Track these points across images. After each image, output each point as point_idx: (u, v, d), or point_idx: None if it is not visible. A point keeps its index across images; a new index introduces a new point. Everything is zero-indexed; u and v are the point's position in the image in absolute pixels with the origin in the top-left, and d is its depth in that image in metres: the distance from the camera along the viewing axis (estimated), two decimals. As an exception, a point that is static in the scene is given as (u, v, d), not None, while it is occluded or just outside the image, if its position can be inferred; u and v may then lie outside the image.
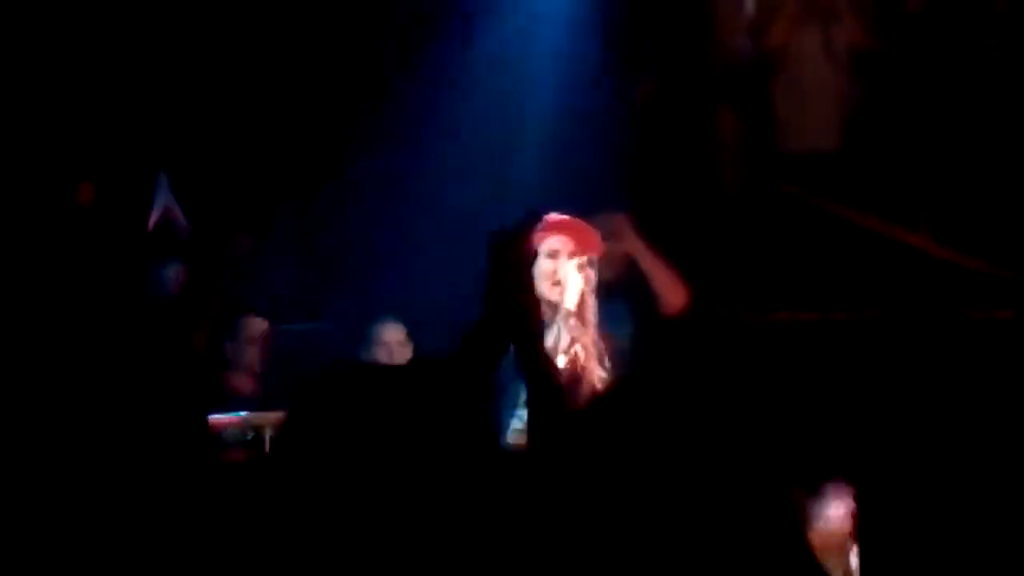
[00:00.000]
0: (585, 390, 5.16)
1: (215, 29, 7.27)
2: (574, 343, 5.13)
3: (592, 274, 5.21)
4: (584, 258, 5.21)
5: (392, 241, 7.25)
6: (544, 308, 5.20)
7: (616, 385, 2.26)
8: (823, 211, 7.12)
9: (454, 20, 7.34)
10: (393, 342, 6.33)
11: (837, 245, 7.02)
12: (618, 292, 5.72)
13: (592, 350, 5.16)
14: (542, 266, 5.21)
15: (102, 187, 6.86)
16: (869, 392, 6.03)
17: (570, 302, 5.15)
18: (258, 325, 6.32)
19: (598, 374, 5.19)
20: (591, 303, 5.21)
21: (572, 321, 5.14)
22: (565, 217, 5.31)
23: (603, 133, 7.28)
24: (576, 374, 5.17)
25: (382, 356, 6.27)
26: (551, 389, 2.86)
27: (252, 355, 6.30)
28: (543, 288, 5.20)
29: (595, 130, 7.25)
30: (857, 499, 4.67)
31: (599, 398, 2.64)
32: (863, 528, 4.65)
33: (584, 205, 5.58)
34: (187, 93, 7.17)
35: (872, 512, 4.66)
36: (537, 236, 5.27)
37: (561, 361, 5.17)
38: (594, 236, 5.31)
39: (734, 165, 7.54)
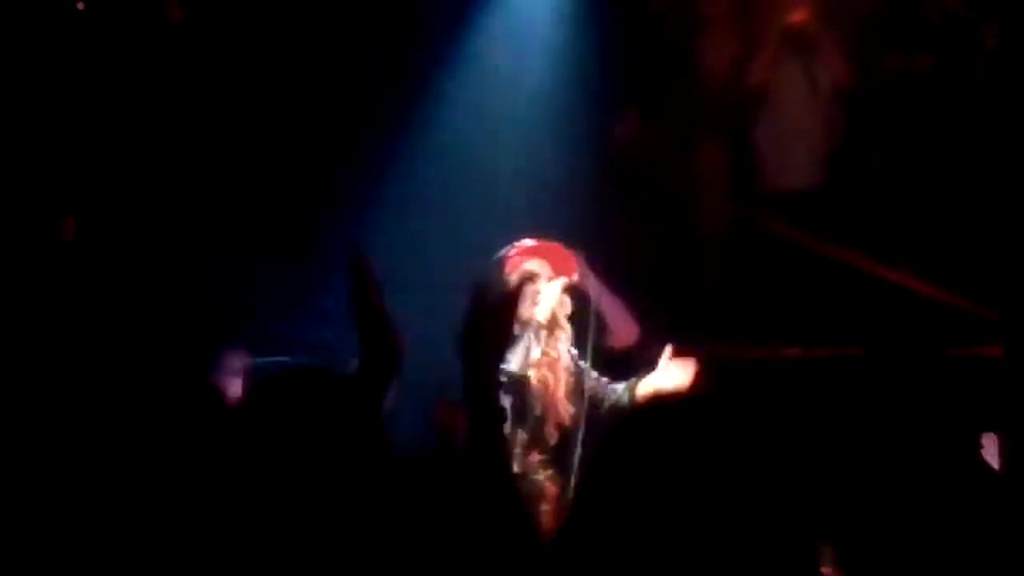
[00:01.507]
0: (552, 421, 5.18)
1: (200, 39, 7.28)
2: (544, 356, 5.19)
3: (568, 300, 5.26)
4: (562, 281, 5.26)
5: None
6: (516, 325, 5.22)
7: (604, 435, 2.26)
8: (804, 247, 7.13)
9: (431, 64, 7.37)
10: None
11: (818, 281, 7.03)
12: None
13: (561, 377, 5.20)
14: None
15: (84, 222, 6.86)
16: (849, 429, 6.04)
17: (542, 315, 5.20)
18: (240, 359, 6.32)
19: (566, 407, 5.20)
20: (564, 325, 5.25)
21: (543, 333, 5.19)
22: (542, 242, 5.35)
23: (583, 167, 7.30)
24: (545, 399, 5.19)
25: None
26: (490, 423, 2.85)
27: (235, 388, 6.30)
28: (521, 309, 5.22)
29: (575, 164, 7.27)
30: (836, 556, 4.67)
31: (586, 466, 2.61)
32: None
33: (560, 237, 5.60)
34: (168, 103, 7.18)
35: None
36: (514, 259, 5.30)
37: (531, 375, 5.19)
38: (571, 260, 5.35)
39: (715, 201, 7.55)
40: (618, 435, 2.16)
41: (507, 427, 5.06)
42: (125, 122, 7.12)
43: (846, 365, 6.61)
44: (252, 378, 6.26)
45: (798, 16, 7.46)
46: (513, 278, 5.22)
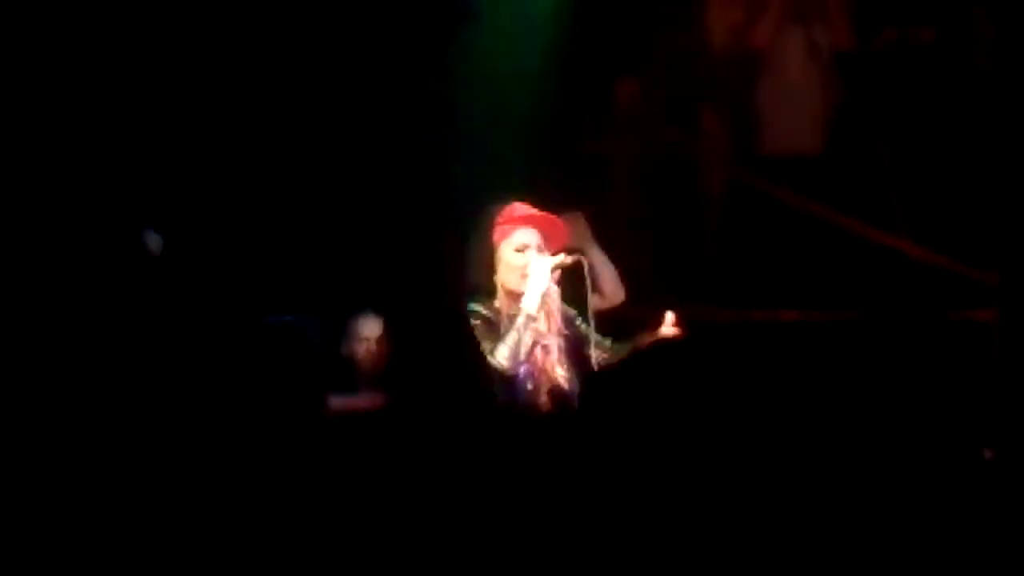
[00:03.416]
0: (545, 389, 5.19)
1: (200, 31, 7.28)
2: (535, 346, 5.16)
3: (557, 275, 5.23)
4: (552, 257, 5.22)
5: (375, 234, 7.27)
6: (511, 300, 5.22)
7: (594, 385, 2.27)
8: (804, 212, 7.14)
9: (438, 19, 7.36)
10: (372, 337, 6.36)
11: (817, 246, 7.04)
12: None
13: (553, 349, 5.19)
14: (510, 259, 5.24)
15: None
16: (847, 393, 6.06)
17: (531, 306, 5.16)
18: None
19: (560, 373, 5.20)
20: (554, 303, 5.23)
21: (533, 325, 5.16)
22: (534, 211, 5.33)
23: (584, 132, 7.30)
24: (536, 375, 5.19)
25: (361, 351, 6.31)
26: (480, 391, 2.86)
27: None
28: (511, 280, 5.23)
29: (576, 129, 7.28)
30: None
31: (582, 396, 2.63)
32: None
33: (560, 202, 5.60)
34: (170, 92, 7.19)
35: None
36: (504, 228, 5.29)
37: (522, 366, 5.18)
38: (561, 230, 5.33)
39: (716, 165, 7.56)
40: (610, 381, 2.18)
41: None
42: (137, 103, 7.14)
43: (843, 329, 6.63)
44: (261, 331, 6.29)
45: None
46: (503, 247, 5.22)
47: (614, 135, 7.52)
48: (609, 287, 5.73)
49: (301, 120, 7.35)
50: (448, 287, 6.36)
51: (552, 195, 6.37)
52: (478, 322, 5.18)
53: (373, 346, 6.33)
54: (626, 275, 5.85)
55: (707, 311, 6.67)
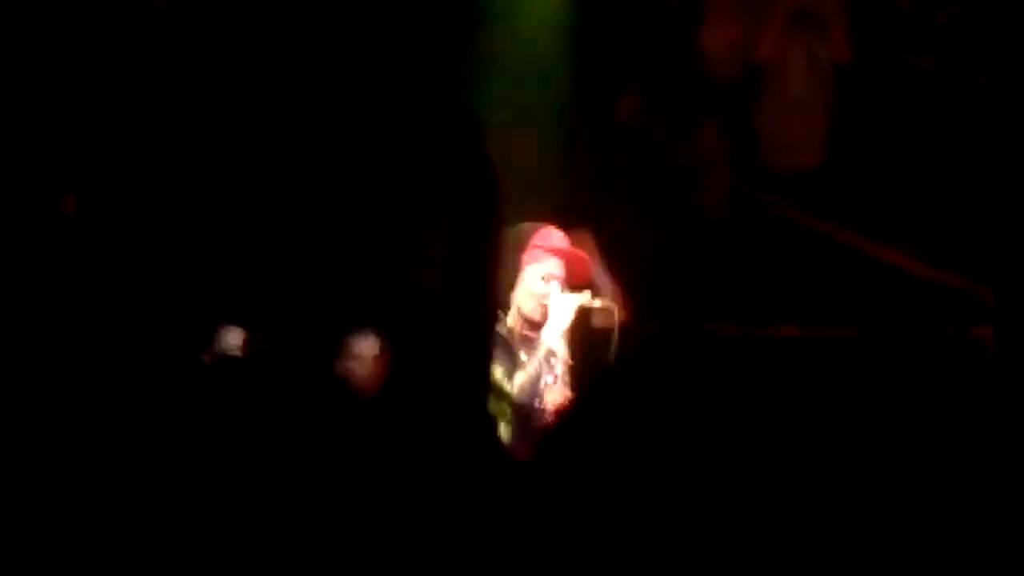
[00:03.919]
0: (547, 412, 5.15)
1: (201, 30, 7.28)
2: (548, 385, 5.13)
3: (577, 315, 5.17)
4: (579, 296, 5.16)
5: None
6: (522, 323, 5.20)
7: (586, 402, 2.26)
8: (803, 226, 7.14)
9: (435, 45, 7.36)
10: (368, 356, 6.33)
11: (818, 261, 7.03)
12: None
13: (560, 375, 5.16)
14: (533, 286, 5.19)
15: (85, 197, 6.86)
16: (845, 409, 6.04)
17: (553, 342, 5.13)
18: (237, 336, 6.32)
19: (565, 393, 5.18)
20: (569, 339, 5.19)
21: (552, 360, 5.12)
22: (565, 244, 5.26)
23: (587, 144, 7.30)
24: (542, 401, 5.15)
25: (356, 369, 6.28)
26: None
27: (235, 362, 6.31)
28: (527, 305, 5.19)
29: (579, 142, 7.27)
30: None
31: (572, 412, 2.62)
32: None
33: (562, 215, 5.58)
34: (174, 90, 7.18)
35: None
36: (535, 252, 5.23)
37: (536, 402, 5.14)
38: (587, 267, 5.27)
39: (717, 179, 7.55)
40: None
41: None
42: (128, 96, 7.12)
43: (842, 345, 6.62)
44: (247, 353, 6.28)
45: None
46: (528, 271, 5.17)
47: (615, 148, 7.52)
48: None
49: (305, 123, 7.35)
50: (459, 303, 6.36)
51: (556, 208, 6.38)
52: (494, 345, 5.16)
53: (368, 364, 6.30)
54: (625, 290, 5.84)
55: (706, 326, 6.67)
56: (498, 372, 5.10)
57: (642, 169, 7.46)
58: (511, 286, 5.23)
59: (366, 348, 6.33)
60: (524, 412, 5.08)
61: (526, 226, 5.29)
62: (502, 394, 5.10)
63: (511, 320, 5.21)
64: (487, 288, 5.56)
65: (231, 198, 7.19)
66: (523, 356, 5.14)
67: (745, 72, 7.57)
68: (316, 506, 2.43)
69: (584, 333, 5.21)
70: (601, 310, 5.19)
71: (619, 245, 5.64)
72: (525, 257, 5.22)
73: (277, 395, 2.65)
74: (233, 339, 6.24)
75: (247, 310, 6.65)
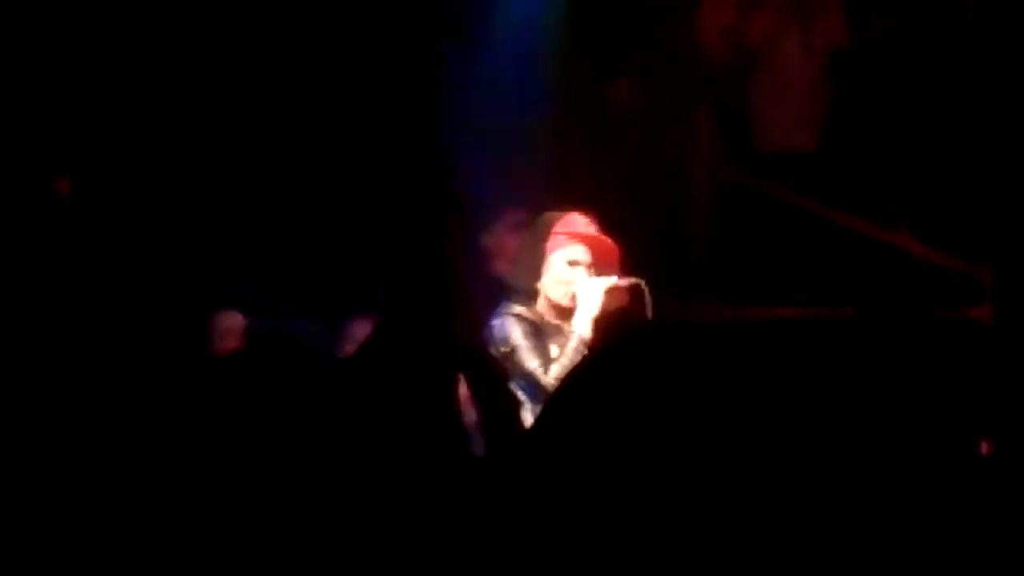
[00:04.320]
0: None
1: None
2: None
3: (610, 298, 5.13)
4: (609, 280, 5.13)
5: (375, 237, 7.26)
6: (550, 310, 5.16)
7: (578, 381, 2.24)
8: (798, 208, 7.14)
9: (433, 23, 7.35)
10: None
11: (812, 243, 7.03)
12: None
13: None
14: (560, 272, 5.16)
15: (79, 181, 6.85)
16: (843, 389, 6.05)
17: (583, 328, 5.09)
18: (232, 319, 6.32)
19: None
20: (603, 328, 5.12)
21: (583, 348, 5.06)
22: (592, 230, 5.23)
23: (575, 130, 7.29)
24: None
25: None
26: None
27: (227, 350, 6.30)
28: (555, 292, 5.15)
29: (568, 127, 7.27)
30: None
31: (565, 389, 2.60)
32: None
33: (554, 200, 5.57)
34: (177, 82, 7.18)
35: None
36: (559, 238, 5.20)
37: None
38: (614, 254, 5.24)
39: (708, 162, 7.55)
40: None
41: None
42: (125, 83, 7.12)
43: (840, 326, 6.61)
44: (246, 337, 6.28)
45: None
46: (554, 259, 5.14)
47: (607, 134, 7.51)
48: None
49: (298, 120, 7.35)
50: (448, 291, 6.35)
51: (547, 196, 6.37)
52: (525, 333, 5.10)
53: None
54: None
55: (702, 308, 6.66)
56: (533, 364, 5.07)
57: (634, 154, 7.46)
58: (537, 274, 5.21)
59: (364, 332, 6.33)
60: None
61: (547, 215, 5.27)
62: (538, 387, 5.07)
63: (540, 307, 5.18)
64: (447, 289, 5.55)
65: (224, 186, 7.20)
66: (555, 347, 5.11)
67: (738, 56, 7.57)
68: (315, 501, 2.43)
69: (616, 315, 5.18)
70: (630, 288, 5.15)
71: (612, 231, 5.62)
72: (549, 244, 5.19)
73: (278, 383, 2.64)
74: (231, 323, 6.25)
75: (243, 294, 6.66)
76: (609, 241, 5.25)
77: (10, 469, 2.91)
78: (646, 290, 5.12)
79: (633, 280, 5.15)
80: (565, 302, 5.12)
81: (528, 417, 4.99)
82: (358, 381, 2.52)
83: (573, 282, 5.14)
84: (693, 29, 7.59)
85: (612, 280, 5.14)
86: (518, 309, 5.16)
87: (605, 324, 5.12)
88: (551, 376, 5.03)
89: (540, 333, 5.14)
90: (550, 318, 5.16)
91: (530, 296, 5.20)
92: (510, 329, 5.11)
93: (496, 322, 5.15)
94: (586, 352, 5.04)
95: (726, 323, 6.61)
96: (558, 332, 5.14)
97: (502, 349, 5.10)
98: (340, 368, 2.84)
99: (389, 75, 7.33)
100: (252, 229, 7.13)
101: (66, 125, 6.92)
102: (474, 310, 5.90)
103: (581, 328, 5.08)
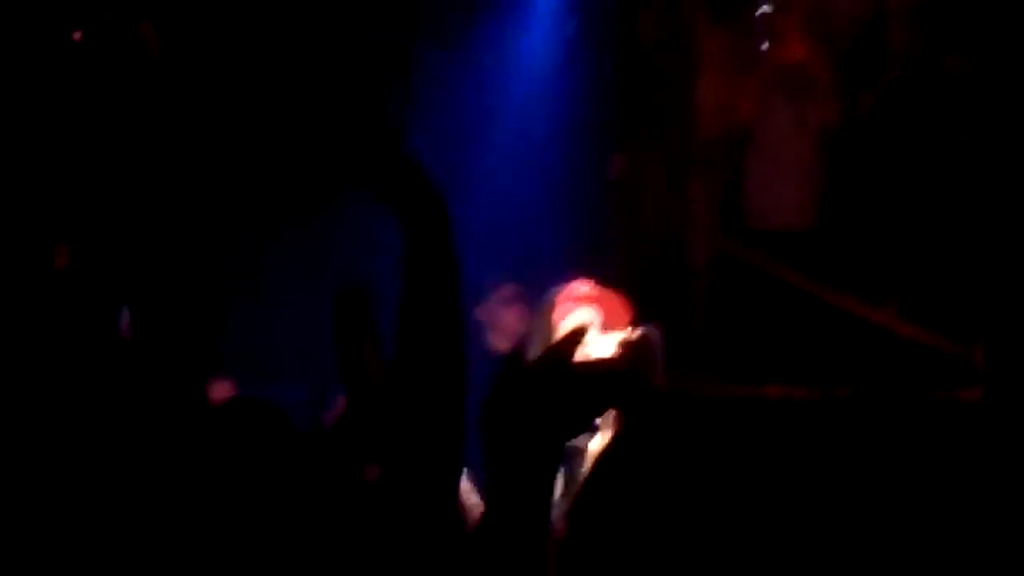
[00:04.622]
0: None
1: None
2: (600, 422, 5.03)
3: (617, 351, 5.11)
4: (619, 334, 5.08)
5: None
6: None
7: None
8: (791, 285, 7.14)
9: (431, 94, 7.39)
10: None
11: (804, 321, 7.03)
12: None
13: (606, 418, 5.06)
14: None
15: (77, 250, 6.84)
16: (833, 471, 6.04)
17: None
18: (223, 389, 6.30)
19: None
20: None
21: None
22: (594, 289, 5.21)
23: (575, 204, 7.31)
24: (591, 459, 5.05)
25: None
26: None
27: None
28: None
29: (567, 201, 7.29)
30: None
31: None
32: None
33: (552, 273, 5.57)
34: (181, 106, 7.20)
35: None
36: (565, 307, 5.16)
37: (587, 446, 5.04)
38: (624, 308, 5.20)
39: (704, 237, 7.57)
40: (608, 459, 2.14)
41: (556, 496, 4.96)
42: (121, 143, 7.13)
43: (829, 406, 6.61)
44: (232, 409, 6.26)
45: (795, 53, 7.49)
46: (563, 326, 5.10)
47: (606, 206, 7.54)
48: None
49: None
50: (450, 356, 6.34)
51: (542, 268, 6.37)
52: None
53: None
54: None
55: (692, 384, 6.65)
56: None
57: (632, 224, 7.48)
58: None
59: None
60: (570, 461, 5.01)
61: (549, 291, 5.25)
62: (582, 460, 5.03)
63: None
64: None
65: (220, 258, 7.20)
66: None
67: (732, 132, 7.60)
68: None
69: (633, 367, 5.13)
70: (641, 339, 5.10)
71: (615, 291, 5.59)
72: (555, 315, 5.15)
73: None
74: (221, 390, 6.23)
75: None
76: (615, 297, 5.21)
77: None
78: (657, 340, 5.08)
79: (642, 331, 5.10)
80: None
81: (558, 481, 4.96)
82: (340, 452, 2.51)
83: (587, 345, 5.08)
84: (688, 104, 7.63)
85: (622, 334, 5.09)
86: None
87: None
88: (592, 449, 5.00)
89: None
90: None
91: None
92: None
93: None
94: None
95: (715, 399, 6.63)
96: None
97: None
98: (323, 437, 2.82)
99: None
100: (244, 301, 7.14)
101: (65, 195, 6.94)
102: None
103: None
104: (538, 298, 5.61)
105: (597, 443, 5.09)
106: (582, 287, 5.21)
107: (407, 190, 2.67)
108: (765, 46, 7.60)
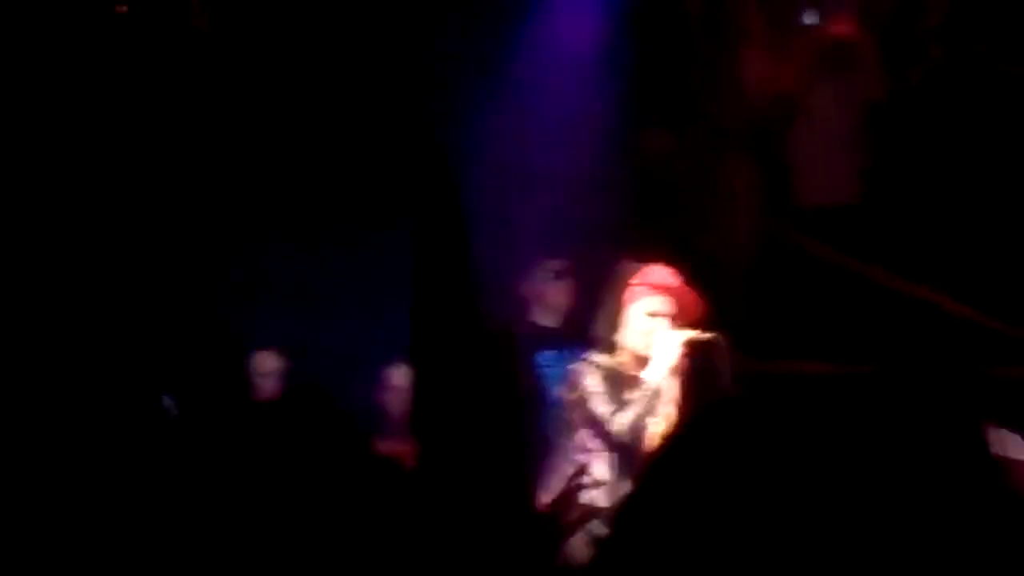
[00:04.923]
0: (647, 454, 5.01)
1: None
2: (655, 418, 4.98)
3: (686, 352, 5.06)
4: (687, 333, 5.06)
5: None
6: (632, 361, 5.11)
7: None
8: (836, 263, 7.10)
9: (465, 79, 7.36)
10: (404, 386, 6.34)
11: (849, 299, 7.00)
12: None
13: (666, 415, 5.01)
14: (640, 324, 5.10)
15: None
16: (879, 449, 6.01)
17: (655, 379, 5.02)
18: (271, 359, 6.33)
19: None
20: (678, 380, 5.06)
21: (656, 402, 5.01)
22: (672, 280, 5.18)
23: (615, 182, 7.29)
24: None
25: (392, 399, 6.27)
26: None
27: (267, 390, 6.31)
28: (637, 344, 5.09)
29: (607, 179, 7.26)
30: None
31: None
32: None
33: (592, 251, 5.56)
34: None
35: None
36: (637, 290, 5.15)
37: (641, 437, 5.01)
38: (696, 303, 5.18)
39: (745, 216, 7.53)
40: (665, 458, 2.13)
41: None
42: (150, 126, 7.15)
43: (875, 382, 6.57)
44: (286, 379, 6.28)
45: (840, 28, 7.44)
46: (632, 311, 5.07)
47: (643, 188, 7.50)
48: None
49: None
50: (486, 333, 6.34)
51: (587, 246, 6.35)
52: (599, 374, 5.05)
53: (404, 395, 6.30)
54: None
55: (737, 362, 6.63)
56: (601, 409, 5.02)
57: (671, 205, 7.45)
58: (614, 326, 5.15)
59: (402, 379, 6.33)
60: (626, 452, 4.98)
61: (625, 265, 5.22)
62: (603, 432, 5.02)
63: (622, 358, 5.11)
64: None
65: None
66: (629, 395, 5.05)
67: (776, 109, 7.56)
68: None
69: (696, 370, 5.11)
70: (709, 343, 5.08)
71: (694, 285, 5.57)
72: (627, 296, 5.13)
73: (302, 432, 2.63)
74: (268, 363, 6.25)
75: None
76: (692, 293, 5.18)
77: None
78: (725, 346, 5.05)
79: (711, 335, 5.08)
80: (647, 352, 5.05)
81: (599, 465, 4.94)
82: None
83: (653, 332, 5.06)
84: (732, 81, 7.58)
85: (690, 333, 5.06)
86: (598, 358, 5.11)
87: (682, 377, 5.06)
88: (618, 422, 4.98)
89: (617, 382, 5.07)
90: (631, 369, 5.09)
91: (610, 347, 5.13)
92: (584, 376, 5.07)
93: (573, 367, 5.11)
94: (656, 402, 4.98)
95: (760, 376, 6.59)
96: (637, 383, 5.07)
97: (573, 395, 5.05)
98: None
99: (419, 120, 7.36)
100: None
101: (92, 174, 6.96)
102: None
103: (653, 378, 5.01)
104: (585, 274, 5.60)
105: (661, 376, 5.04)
106: (661, 274, 5.18)
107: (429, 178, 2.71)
108: (809, 20, 7.55)
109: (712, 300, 7.22)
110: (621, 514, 2.11)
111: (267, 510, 2.43)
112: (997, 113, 7.05)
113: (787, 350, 6.83)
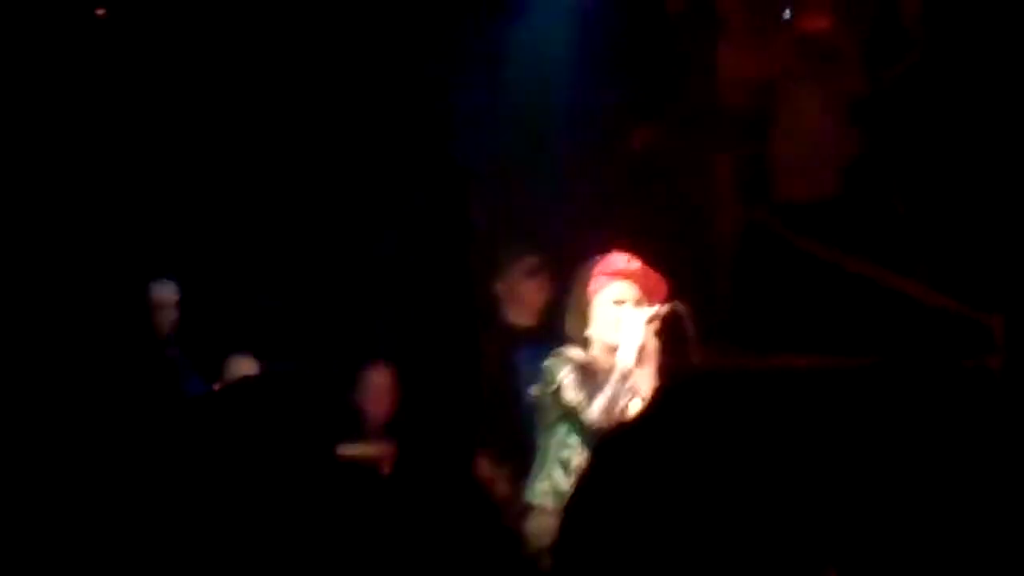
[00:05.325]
0: None
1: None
2: (627, 405, 4.98)
3: (653, 328, 5.06)
4: (649, 310, 5.08)
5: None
6: (605, 352, 5.11)
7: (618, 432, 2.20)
8: (818, 256, 7.11)
9: (451, 71, 7.37)
10: (382, 387, 6.35)
11: (830, 290, 7.01)
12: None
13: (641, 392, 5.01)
14: (607, 313, 5.10)
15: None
16: (859, 440, 6.02)
17: (626, 360, 5.01)
18: (247, 365, 6.33)
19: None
20: (650, 358, 5.06)
21: (626, 384, 5.00)
22: (633, 264, 5.19)
23: (600, 177, 7.30)
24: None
25: (370, 400, 6.29)
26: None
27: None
28: (607, 334, 5.09)
29: (591, 169, 7.28)
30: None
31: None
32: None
33: (574, 247, 5.57)
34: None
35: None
36: (600, 280, 5.14)
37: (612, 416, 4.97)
38: (660, 283, 5.18)
39: (729, 209, 7.54)
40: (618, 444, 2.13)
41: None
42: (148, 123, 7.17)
43: (857, 375, 6.58)
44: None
45: (819, 23, 7.45)
46: (599, 300, 5.07)
47: (629, 180, 7.51)
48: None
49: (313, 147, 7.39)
50: (468, 333, 6.35)
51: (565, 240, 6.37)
52: (572, 370, 5.06)
53: (383, 395, 6.30)
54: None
55: (719, 355, 6.65)
56: (575, 398, 5.01)
57: (656, 201, 7.46)
58: (585, 322, 5.15)
59: (379, 380, 6.34)
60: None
61: (587, 262, 5.21)
62: (578, 420, 5.03)
63: (595, 351, 5.12)
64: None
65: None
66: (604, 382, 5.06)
67: (757, 104, 7.57)
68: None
69: (664, 343, 5.11)
70: (672, 313, 5.07)
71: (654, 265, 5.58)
72: (591, 287, 5.13)
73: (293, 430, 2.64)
74: (243, 368, 6.26)
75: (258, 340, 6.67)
76: (654, 273, 5.18)
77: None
78: (687, 312, 5.05)
79: (669, 306, 5.07)
80: (617, 341, 5.05)
81: (574, 455, 4.95)
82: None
83: (620, 320, 5.08)
84: (712, 75, 7.59)
85: (652, 310, 5.06)
86: (571, 352, 5.12)
87: (652, 353, 5.06)
88: (593, 409, 4.98)
89: (591, 374, 5.08)
90: (605, 361, 5.09)
91: (583, 344, 5.14)
92: (557, 368, 5.08)
93: (546, 363, 5.12)
94: (626, 383, 4.98)
95: (742, 370, 6.60)
96: (611, 373, 5.07)
97: (547, 389, 5.06)
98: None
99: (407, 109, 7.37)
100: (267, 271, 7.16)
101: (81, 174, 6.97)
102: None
103: (624, 360, 5.00)
104: (560, 272, 5.61)
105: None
106: (620, 261, 5.17)
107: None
108: (788, 15, 7.56)
109: (698, 292, 7.27)
110: (575, 493, 2.13)
111: (228, 514, 2.44)
112: (977, 107, 7.06)
113: (769, 342, 6.85)
